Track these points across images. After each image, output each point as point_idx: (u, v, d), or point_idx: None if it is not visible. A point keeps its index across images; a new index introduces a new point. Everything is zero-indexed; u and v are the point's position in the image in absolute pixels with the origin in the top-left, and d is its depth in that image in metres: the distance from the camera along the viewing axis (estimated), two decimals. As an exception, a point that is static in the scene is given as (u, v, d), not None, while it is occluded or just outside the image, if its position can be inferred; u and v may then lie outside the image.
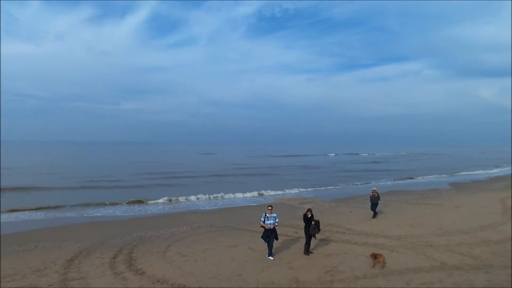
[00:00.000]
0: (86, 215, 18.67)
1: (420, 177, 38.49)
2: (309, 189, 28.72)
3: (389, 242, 12.35)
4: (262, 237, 11.07)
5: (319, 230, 11.31)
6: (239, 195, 25.11)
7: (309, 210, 11.20)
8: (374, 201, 17.04)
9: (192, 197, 23.80)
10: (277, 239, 11.14)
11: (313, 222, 11.08)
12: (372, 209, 17.16)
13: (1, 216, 17.53)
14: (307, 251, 11.14)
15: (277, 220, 11.10)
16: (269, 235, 10.92)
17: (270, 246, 11.05)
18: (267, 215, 10.96)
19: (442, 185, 31.57)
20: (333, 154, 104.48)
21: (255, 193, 25.52)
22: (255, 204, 21.56)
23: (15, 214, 18.58)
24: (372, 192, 17.21)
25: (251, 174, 42.75)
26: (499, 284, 8.49)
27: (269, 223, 10.90)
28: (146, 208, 20.63)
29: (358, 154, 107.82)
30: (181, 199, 23.37)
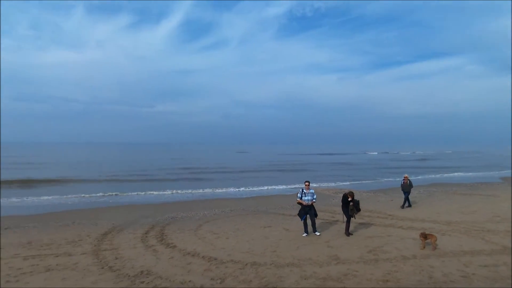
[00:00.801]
0: (120, 200, 19.00)
1: (470, 173, 35.63)
2: (346, 183, 27.47)
3: (439, 227, 11.21)
4: (298, 214, 10.42)
5: (358, 210, 10.43)
6: (272, 187, 24.47)
7: (351, 193, 10.34)
8: (406, 189, 15.15)
9: (224, 189, 23.53)
10: (316, 216, 10.45)
11: (351, 203, 10.22)
12: (404, 198, 15.37)
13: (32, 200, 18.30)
14: (347, 230, 10.32)
15: (315, 196, 10.41)
16: (307, 211, 10.24)
17: (312, 223, 10.47)
18: (304, 191, 10.29)
19: (492, 179, 28.99)
20: (375, 153, 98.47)
21: (289, 186, 24.72)
22: (288, 194, 20.81)
23: (51, 197, 19.33)
24: (404, 179, 15.45)
25: (285, 170, 41.94)
26: None
27: (307, 199, 10.22)
28: (176, 195, 20.65)
29: (397, 152, 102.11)
30: (214, 191, 23.09)
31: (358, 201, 10.43)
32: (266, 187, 24.27)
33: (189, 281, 6.97)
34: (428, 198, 17.94)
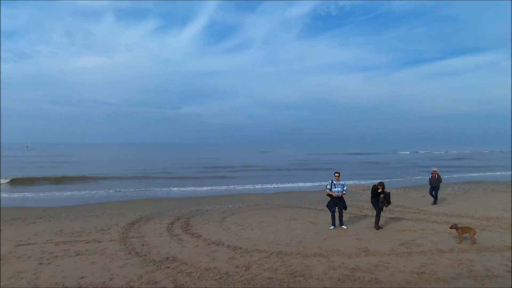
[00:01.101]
0: (146, 194, 19.40)
1: (509, 172, 33.39)
2: (375, 181, 26.49)
3: (477, 222, 10.49)
4: (327, 206, 10.11)
5: (389, 203, 9.96)
6: (297, 184, 24.05)
7: (381, 183, 9.89)
8: (435, 183, 14.22)
9: (248, 186, 23.32)
10: (345, 208, 10.09)
11: (382, 195, 9.77)
12: (431, 194, 14.45)
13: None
14: (377, 224, 9.87)
15: (345, 188, 10.06)
16: (337, 203, 9.91)
17: (340, 216, 10.16)
18: (333, 182, 9.97)
19: (535, 177, 26.97)
20: (407, 152, 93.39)
21: (315, 183, 24.16)
22: (314, 190, 20.36)
23: (82, 192, 20.04)
24: (432, 173, 14.51)
25: (310, 169, 41.24)
26: None
27: (337, 190, 9.89)
28: (200, 191, 20.78)
29: (430, 152, 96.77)
30: (238, 187, 22.97)
31: (389, 193, 9.96)
32: (290, 184, 23.91)
33: (214, 267, 6.88)
34: (463, 195, 16.94)
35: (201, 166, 43.78)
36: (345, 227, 10.03)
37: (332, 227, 10.01)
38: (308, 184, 24.01)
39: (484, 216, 11.45)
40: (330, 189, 9.98)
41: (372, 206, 10.21)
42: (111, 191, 20.48)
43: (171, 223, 11.00)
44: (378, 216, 9.89)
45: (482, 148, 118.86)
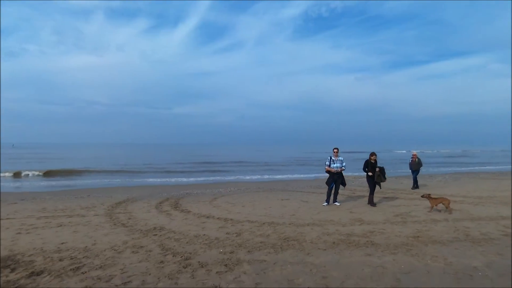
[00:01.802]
0: (135, 182, 18.93)
1: (500, 166, 33.82)
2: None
3: (470, 200, 10.46)
4: (326, 182, 9.91)
5: (385, 178, 9.79)
6: (293, 176, 23.74)
7: (373, 153, 9.72)
8: (415, 167, 14.05)
9: (241, 176, 22.96)
10: (344, 185, 9.89)
11: (377, 169, 9.61)
12: (413, 178, 14.18)
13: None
14: (371, 201, 9.69)
15: (344, 164, 9.87)
16: (336, 179, 9.72)
17: (335, 193, 9.96)
18: (332, 158, 9.77)
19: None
20: (403, 151, 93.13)
21: (311, 175, 23.91)
22: (306, 179, 20.16)
23: (68, 182, 19.46)
24: (412, 157, 14.32)
25: (306, 164, 40.91)
26: None
27: (336, 166, 9.71)
28: (191, 180, 20.34)
29: (422, 151, 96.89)
30: (230, 177, 22.60)
31: (383, 168, 9.79)
32: (286, 176, 23.58)
33: (204, 234, 6.60)
34: (454, 182, 16.99)
35: (193, 161, 43.18)
36: (339, 204, 9.85)
37: (326, 203, 9.82)
38: (302, 176, 23.74)
39: (475, 195, 11.42)
40: (329, 165, 9.78)
41: (367, 183, 9.97)
42: (97, 180, 19.93)
43: (160, 203, 10.64)
44: (372, 194, 9.71)
45: (471, 148, 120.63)
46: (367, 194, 10.54)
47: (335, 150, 9.79)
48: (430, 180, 17.66)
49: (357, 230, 6.85)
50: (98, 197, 12.13)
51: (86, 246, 5.86)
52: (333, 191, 9.88)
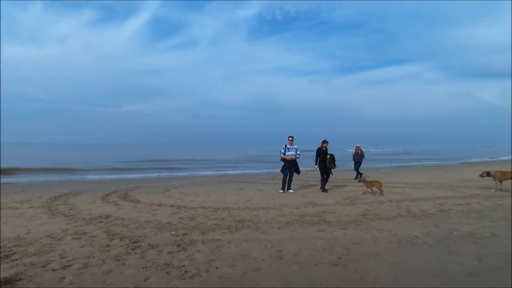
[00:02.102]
0: (77, 177, 17.55)
1: (436, 162, 37.18)
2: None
3: (410, 186, 11.30)
4: (281, 170, 10.03)
5: (335, 165, 10.19)
6: (249, 171, 23.69)
7: (325, 141, 10.04)
8: (358, 158, 14.66)
9: (196, 172, 22.23)
10: (298, 172, 10.07)
11: (328, 156, 9.98)
12: (355, 169, 14.87)
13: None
14: (323, 187, 10.02)
15: (298, 152, 10.04)
16: (290, 167, 9.85)
17: (289, 180, 10.05)
18: (287, 146, 9.90)
19: (453, 162, 30.47)
20: (353, 150, 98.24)
21: (267, 170, 23.94)
22: (261, 173, 20.29)
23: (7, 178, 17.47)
24: (355, 149, 14.83)
25: (262, 161, 41.18)
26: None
27: (290, 154, 9.85)
28: (140, 176, 19.33)
29: (367, 150, 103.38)
30: (184, 173, 21.75)
31: (333, 155, 10.18)
32: (241, 171, 23.44)
33: (155, 220, 6.29)
34: (395, 173, 18.29)
35: (142, 160, 41.24)
36: (292, 191, 10.04)
37: (282, 191, 9.95)
38: (257, 171, 23.76)
39: (414, 182, 12.40)
40: (284, 153, 9.89)
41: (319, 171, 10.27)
42: (31, 177, 18.12)
43: (106, 195, 9.95)
44: (324, 180, 10.05)
45: (412, 146, 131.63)
46: (319, 182, 10.92)
47: (290, 139, 9.95)
48: (375, 172, 18.82)
49: (310, 211, 7.02)
50: (34, 192, 11.00)
51: (18, 236, 5.25)
52: (287, 179, 10.05)
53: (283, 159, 9.95)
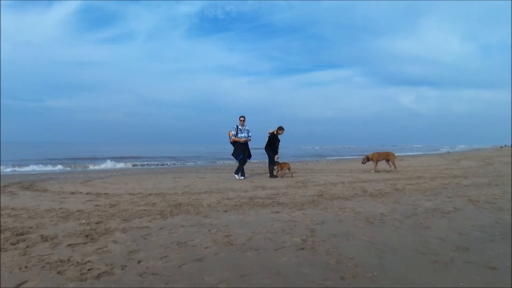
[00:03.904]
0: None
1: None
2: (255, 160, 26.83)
3: (355, 171, 11.11)
4: (233, 154, 8.92)
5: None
6: (189, 163, 21.99)
7: (281, 128, 9.21)
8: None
9: (129, 164, 19.65)
10: (250, 157, 9.03)
11: (279, 141, 9.23)
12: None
13: None
14: (271, 172, 9.17)
15: (250, 133, 9.01)
16: (243, 150, 8.79)
17: (241, 165, 8.98)
18: (239, 127, 8.82)
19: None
20: (289, 147, 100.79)
21: (207, 163, 22.52)
22: (202, 165, 18.88)
23: None
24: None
25: (202, 157, 39.39)
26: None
27: (243, 136, 8.81)
28: (57, 168, 16.59)
29: (299, 147, 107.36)
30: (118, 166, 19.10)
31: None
32: (181, 164, 21.52)
33: (60, 208, 4.78)
34: (332, 165, 18.43)
35: (64, 157, 36.47)
36: (243, 178, 9.01)
37: (240, 176, 8.83)
38: (199, 163, 22.14)
39: (350, 169, 12.33)
40: (236, 135, 8.81)
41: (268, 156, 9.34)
42: None
43: (5, 186, 7.83)
44: (273, 164, 9.21)
45: (342, 145, 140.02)
46: (267, 172, 10.11)
47: (242, 119, 8.89)
48: (316, 164, 18.78)
49: (260, 194, 6.10)
50: None
51: None
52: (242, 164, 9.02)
53: (234, 142, 8.88)
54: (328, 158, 27.44)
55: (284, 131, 9.27)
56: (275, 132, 9.13)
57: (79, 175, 11.34)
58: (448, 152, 38.04)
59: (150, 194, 6.03)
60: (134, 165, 17.90)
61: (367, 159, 10.40)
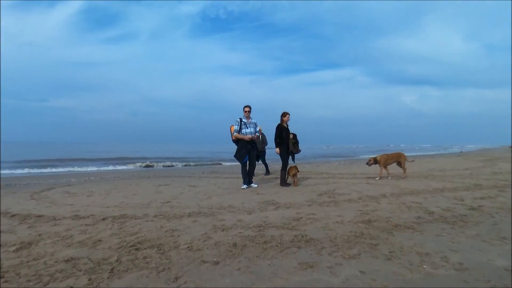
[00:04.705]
0: None
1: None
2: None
3: (348, 177, 8.99)
4: (237, 156, 6.78)
5: (299, 148, 7.38)
6: (184, 164, 19.89)
7: (286, 113, 7.02)
8: (259, 146, 11.01)
9: (111, 167, 17.47)
10: (259, 158, 6.97)
11: (291, 135, 7.09)
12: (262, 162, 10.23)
13: None
14: (283, 180, 7.04)
15: (258, 128, 6.93)
16: (250, 150, 6.74)
17: (251, 171, 6.99)
18: (243, 121, 6.75)
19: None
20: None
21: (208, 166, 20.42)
22: (208, 166, 16.80)
23: None
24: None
25: (206, 158, 37.25)
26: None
27: (249, 132, 6.72)
28: (18, 172, 14.48)
29: (311, 146, 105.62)
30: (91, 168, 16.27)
31: (295, 134, 7.34)
32: (177, 166, 19.38)
33: None
34: (350, 165, 16.32)
35: (43, 158, 34.28)
36: (256, 186, 6.97)
37: (245, 186, 6.79)
38: (198, 164, 20.13)
39: (374, 172, 10.22)
40: (239, 131, 6.71)
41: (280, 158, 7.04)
42: None
43: None
44: (285, 170, 7.07)
45: (349, 145, 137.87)
46: (276, 177, 8.09)
47: (247, 109, 6.77)
48: (329, 166, 16.70)
49: (272, 218, 4.01)
50: None
51: None
52: (248, 168, 6.95)
53: (237, 140, 6.79)
54: (338, 159, 25.22)
55: (289, 116, 6.94)
56: (281, 122, 6.96)
57: (48, 180, 9.32)
58: (461, 152, 35.73)
59: (104, 219, 3.96)
60: (115, 170, 15.91)
61: (374, 161, 8.28)
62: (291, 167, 7.05)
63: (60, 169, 14.90)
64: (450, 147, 71.31)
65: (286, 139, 6.83)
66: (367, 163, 8.49)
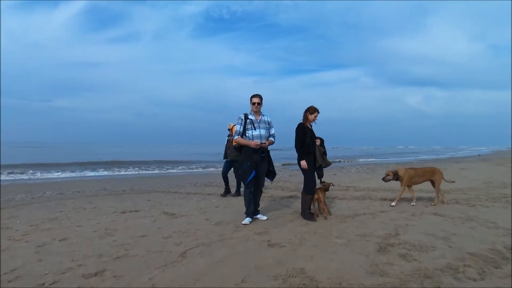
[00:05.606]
0: None
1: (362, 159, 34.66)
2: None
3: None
4: (239, 172, 4.67)
5: (328, 161, 4.90)
6: (182, 170, 17.40)
7: (315, 110, 4.57)
8: (230, 156, 8.50)
9: (88, 172, 14.59)
10: (273, 175, 4.65)
11: (317, 140, 4.64)
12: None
13: None
14: (308, 210, 4.63)
15: (273, 130, 4.59)
16: (257, 163, 4.37)
17: (258, 194, 4.62)
18: (250, 118, 4.41)
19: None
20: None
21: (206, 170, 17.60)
22: (199, 174, 14.38)
23: None
24: (229, 134, 8.00)
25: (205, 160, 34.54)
26: None
27: (257, 135, 4.38)
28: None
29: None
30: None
31: (323, 139, 4.89)
32: (176, 171, 16.82)
33: None
34: (372, 172, 13.92)
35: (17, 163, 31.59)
36: (266, 218, 4.62)
37: (248, 220, 4.41)
38: (198, 171, 17.40)
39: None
40: (243, 133, 4.39)
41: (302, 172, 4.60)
42: None
43: None
44: (311, 194, 4.56)
45: (355, 146, 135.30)
46: (295, 196, 5.76)
47: (256, 101, 4.39)
48: (350, 173, 14.32)
49: None
50: None
51: None
52: (253, 191, 4.49)
53: (240, 146, 4.47)
54: (353, 164, 22.50)
55: (318, 114, 4.61)
56: (303, 121, 4.60)
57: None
58: (479, 155, 33.18)
59: None
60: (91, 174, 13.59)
61: (394, 175, 5.54)
62: (317, 189, 4.68)
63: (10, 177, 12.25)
64: (461, 149, 68.93)
65: (312, 147, 4.47)
66: (383, 178, 5.66)
